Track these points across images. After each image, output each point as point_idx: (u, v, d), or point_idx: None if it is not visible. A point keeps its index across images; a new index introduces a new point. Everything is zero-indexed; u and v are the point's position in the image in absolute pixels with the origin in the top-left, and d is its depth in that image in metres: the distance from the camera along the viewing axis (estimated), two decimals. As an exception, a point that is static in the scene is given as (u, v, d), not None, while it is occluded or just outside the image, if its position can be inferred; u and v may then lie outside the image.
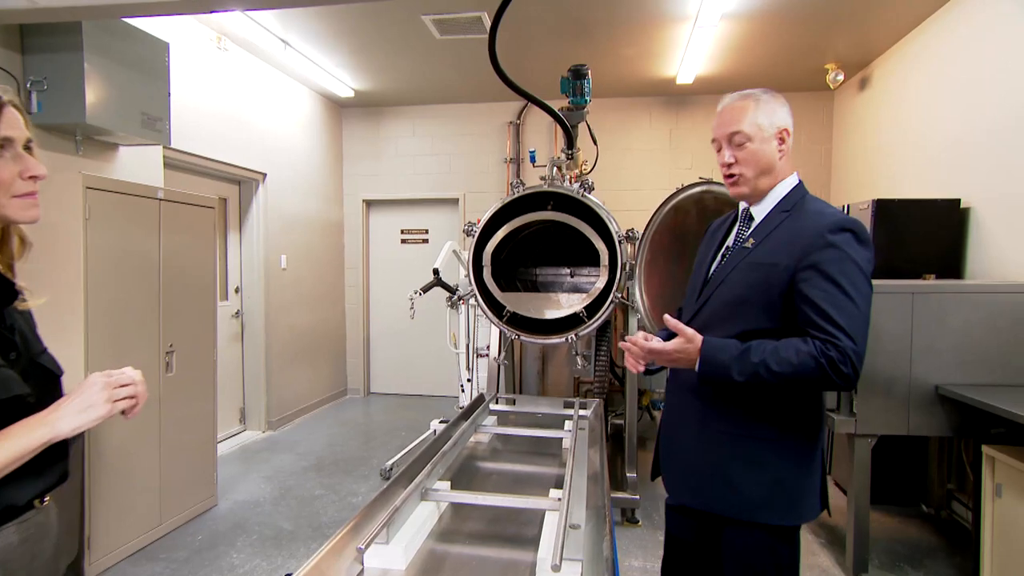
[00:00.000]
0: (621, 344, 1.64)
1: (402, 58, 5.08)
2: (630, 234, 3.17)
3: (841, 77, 5.03)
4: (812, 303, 1.40)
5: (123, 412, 1.09)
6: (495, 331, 3.58)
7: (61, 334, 2.74)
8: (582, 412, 2.40)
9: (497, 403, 2.66)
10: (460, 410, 3.07)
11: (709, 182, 3.18)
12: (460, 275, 4.13)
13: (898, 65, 4.62)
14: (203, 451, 3.65)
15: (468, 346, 4.41)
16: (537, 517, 1.48)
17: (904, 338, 2.74)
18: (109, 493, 2.95)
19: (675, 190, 3.26)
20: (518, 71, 2.97)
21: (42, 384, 1.11)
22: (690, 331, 1.48)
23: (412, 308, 4.10)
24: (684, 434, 1.65)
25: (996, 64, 3.45)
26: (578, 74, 3.36)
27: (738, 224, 1.66)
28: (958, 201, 3.66)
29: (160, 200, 3.26)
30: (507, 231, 2.93)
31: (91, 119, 3.01)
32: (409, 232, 6.81)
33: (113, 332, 2.97)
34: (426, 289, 4.02)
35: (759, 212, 1.60)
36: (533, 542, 1.37)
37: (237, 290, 5.23)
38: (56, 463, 1.11)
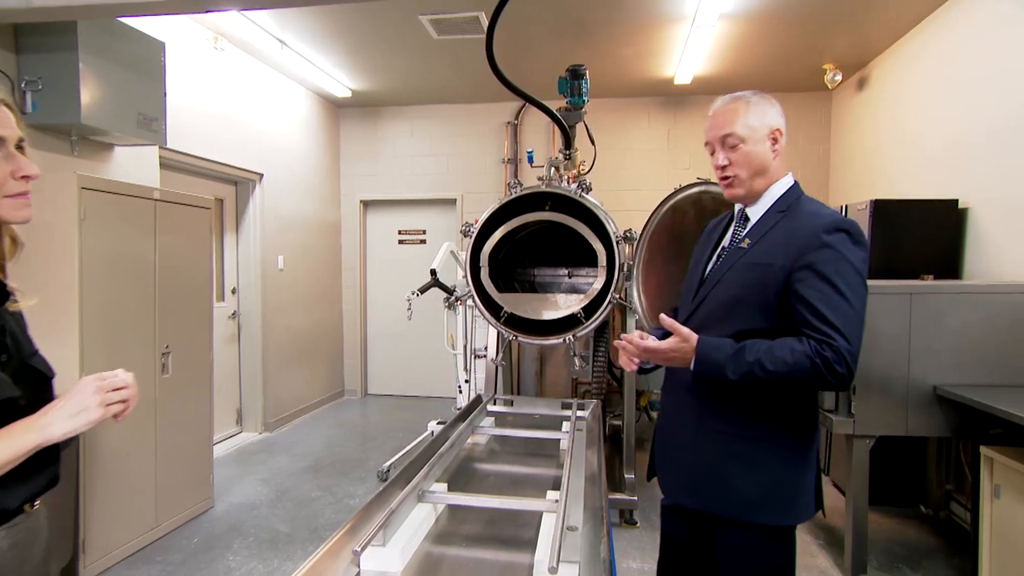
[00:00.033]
0: (616, 342, 1.65)
1: (399, 58, 5.07)
2: (628, 234, 3.17)
3: (839, 77, 5.04)
4: (807, 303, 1.41)
5: (114, 415, 1.07)
6: (493, 332, 3.57)
7: (56, 335, 2.73)
8: (580, 413, 2.39)
9: (495, 404, 2.65)
10: (458, 411, 3.06)
11: (707, 182, 3.17)
12: (458, 276, 4.11)
13: (896, 65, 4.62)
14: (199, 453, 3.63)
15: (466, 347, 4.40)
16: (534, 519, 1.47)
17: (902, 339, 2.74)
18: (104, 495, 2.93)
19: (673, 190, 3.26)
20: (516, 71, 2.97)
21: (33, 386, 1.09)
22: (685, 330, 1.48)
23: (409, 309, 4.09)
24: (681, 433, 1.65)
25: (994, 64, 3.45)
26: (576, 74, 3.35)
27: (734, 224, 1.67)
28: (956, 202, 3.66)
29: (156, 201, 3.24)
30: (505, 232, 2.92)
31: (86, 119, 2.99)
32: (406, 233, 6.80)
33: (108, 333, 2.95)
34: (423, 290, 4.01)
35: (755, 213, 1.61)
36: (530, 544, 1.36)
37: (234, 291, 5.21)
38: (47, 467, 1.10)
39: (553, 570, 1.08)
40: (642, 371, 1.73)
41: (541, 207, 2.92)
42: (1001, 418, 2.33)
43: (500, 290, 2.99)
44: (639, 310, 3.24)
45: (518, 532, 1.46)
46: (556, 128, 3.49)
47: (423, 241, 6.75)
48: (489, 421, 2.46)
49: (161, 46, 3.46)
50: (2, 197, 1.06)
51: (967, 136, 3.69)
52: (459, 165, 6.50)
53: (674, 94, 5.98)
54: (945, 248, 3.67)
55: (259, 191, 5.23)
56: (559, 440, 2.18)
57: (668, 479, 1.72)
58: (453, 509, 1.57)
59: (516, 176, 6.23)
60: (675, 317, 1.59)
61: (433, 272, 3.98)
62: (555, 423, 2.39)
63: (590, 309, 2.87)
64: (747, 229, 1.60)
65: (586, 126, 3.78)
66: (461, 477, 1.87)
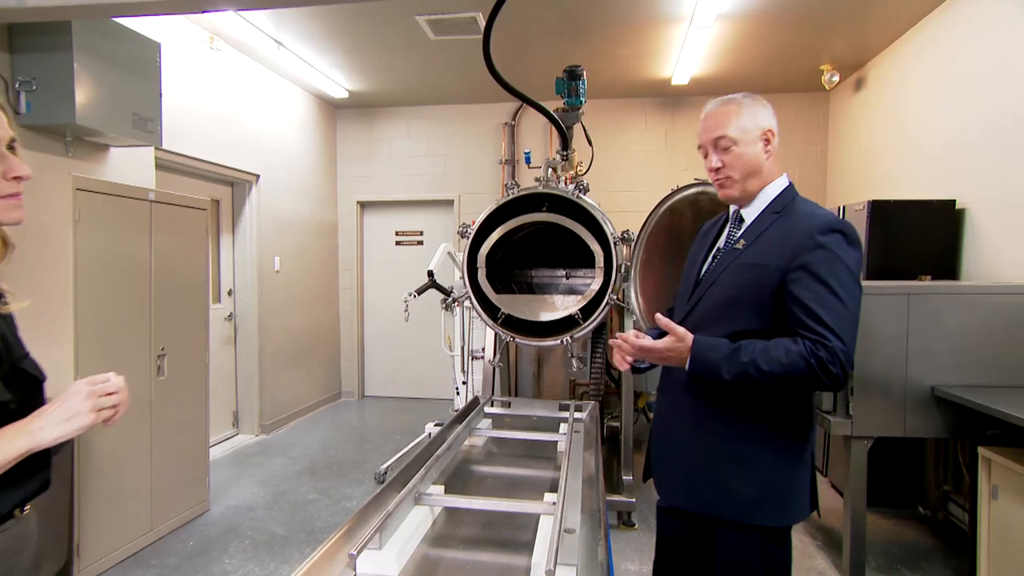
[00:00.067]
0: (611, 341, 1.65)
1: (396, 59, 5.06)
2: (625, 235, 3.16)
3: (836, 78, 5.04)
4: (802, 304, 1.42)
5: (104, 420, 1.06)
6: (490, 333, 3.56)
7: (50, 337, 2.72)
8: (577, 415, 2.38)
9: (492, 406, 2.64)
10: (455, 413, 3.05)
11: (704, 183, 3.16)
12: (455, 277, 4.11)
13: (894, 66, 4.63)
14: (195, 455, 3.62)
15: (463, 348, 4.39)
16: (532, 521, 1.46)
17: (900, 339, 2.74)
18: (99, 498, 2.91)
19: (670, 191, 3.25)
20: (513, 72, 2.96)
21: (24, 390, 1.08)
22: (681, 330, 1.49)
23: (407, 310, 4.08)
24: (677, 433, 1.66)
25: (992, 64, 3.46)
26: (573, 75, 3.35)
27: (729, 225, 1.68)
28: (953, 202, 3.66)
29: (151, 202, 3.23)
30: (502, 233, 2.92)
31: (81, 120, 2.98)
32: (404, 234, 6.79)
33: (103, 335, 2.94)
34: (421, 291, 4.00)
35: (749, 214, 1.62)
36: (527, 547, 1.35)
37: (230, 292, 5.19)
38: (37, 472, 1.09)
39: (550, 573, 1.07)
40: (635, 370, 1.74)
41: (538, 208, 2.92)
42: (999, 419, 2.33)
43: (497, 291, 2.98)
44: (637, 311, 3.23)
45: (515, 535, 1.45)
46: (553, 129, 3.48)
47: (420, 242, 6.74)
48: (486, 423, 2.45)
49: (157, 46, 3.45)
50: (-7, 198, 1.05)
51: (965, 136, 3.70)
52: (456, 166, 6.49)
53: (671, 95, 5.98)
54: (943, 249, 3.67)
55: (255, 192, 5.22)
56: (557, 442, 2.17)
57: (664, 480, 1.72)
58: (450, 512, 1.56)
59: (513, 177, 6.23)
60: (671, 318, 1.60)
61: (430, 273, 3.97)
62: (553, 425, 2.38)
63: (588, 310, 2.86)
64: (742, 230, 1.61)
65: (583, 127, 3.78)
66: (458, 479, 1.87)
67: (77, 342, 2.77)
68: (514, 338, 2.94)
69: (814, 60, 4.98)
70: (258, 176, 5.21)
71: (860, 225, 3.69)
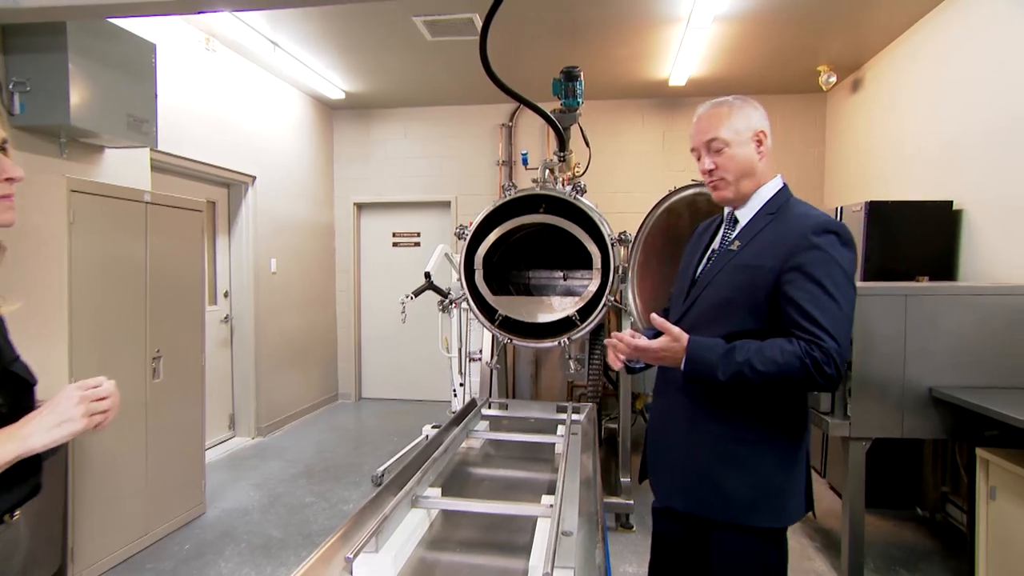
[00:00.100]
0: (607, 340, 1.66)
1: (393, 60, 5.06)
2: (623, 237, 3.16)
3: (834, 79, 5.05)
4: (796, 304, 1.43)
5: (95, 425, 1.05)
6: (487, 335, 3.55)
7: (45, 340, 2.70)
8: (575, 417, 2.38)
9: (489, 408, 2.64)
10: (452, 415, 3.04)
11: (702, 184, 3.15)
12: (452, 278, 4.10)
13: (891, 67, 4.64)
14: (191, 458, 3.60)
15: (460, 350, 4.37)
16: (529, 524, 1.46)
17: (897, 340, 2.73)
18: (93, 502, 2.89)
19: (668, 192, 3.25)
20: (510, 73, 2.95)
21: (15, 393, 1.07)
22: (676, 330, 1.49)
23: (403, 312, 4.06)
24: (673, 434, 1.66)
25: (989, 65, 3.46)
26: (570, 76, 3.34)
27: (723, 227, 1.69)
28: (950, 203, 3.67)
29: (147, 203, 3.21)
30: (499, 234, 2.91)
31: (75, 121, 2.96)
32: (400, 235, 6.78)
33: (98, 338, 2.92)
34: (418, 293, 3.99)
35: (744, 215, 1.62)
36: (525, 549, 1.35)
37: (226, 294, 5.17)
38: (28, 477, 1.08)
39: (548, 576, 1.06)
40: (629, 370, 1.74)
41: (536, 209, 2.91)
42: (997, 420, 2.32)
43: (495, 293, 2.97)
44: (634, 312, 3.22)
45: (512, 537, 1.45)
46: (550, 130, 3.48)
47: (417, 244, 6.73)
48: (484, 425, 2.45)
49: (152, 47, 3.44)
50: (-16, 199, 1.03)
51: (962, 137, 3.70)
52: (453, 167, 6.48)
53: (669, 96, 5.99)
54: (940, 250, 3.67)
55: (252, 193, 5.20)
56: (554, 444, 2.16)
57: (660, 481, 1.72)
58: (447, 514, 1.55)
59: (511, 178, 6.23)
60: (666, 318, 1.60)
61: (427, 275, 3.96)
62: (550, 427, 2.37)
63: (585, 312, 2.86)
64: (737, 231, 1.62)
65: (580, 128, 3.78)
66: (455, 482, 1.86)
67: (72, 344, 2.75)
68: (511, 340, 2.93)
69: (811, 61, 4.99)
70: (254, 177, 5.19)
71: (857, 226, 3.69)
